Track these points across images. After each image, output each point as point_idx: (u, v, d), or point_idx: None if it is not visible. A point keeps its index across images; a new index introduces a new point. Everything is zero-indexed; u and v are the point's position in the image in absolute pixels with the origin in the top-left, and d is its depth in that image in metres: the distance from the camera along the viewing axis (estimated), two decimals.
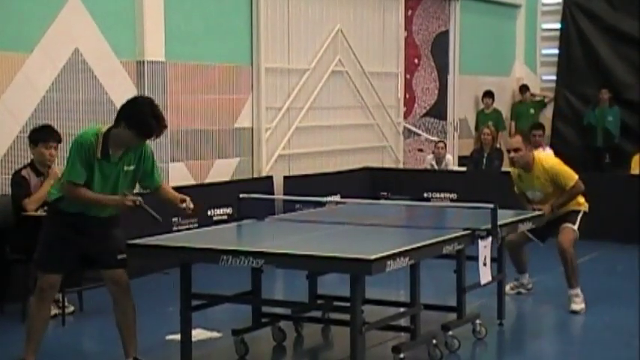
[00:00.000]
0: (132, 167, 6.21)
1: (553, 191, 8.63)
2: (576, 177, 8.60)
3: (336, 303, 7.12)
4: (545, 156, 9.34)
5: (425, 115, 15.96)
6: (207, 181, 11.58)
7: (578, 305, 8.52)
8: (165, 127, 6.10)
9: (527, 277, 9.24)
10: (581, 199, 8.76)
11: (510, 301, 8.38)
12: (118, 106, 10.15)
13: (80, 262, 6.50)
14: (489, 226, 7.08)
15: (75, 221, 6.16)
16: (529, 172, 8.67)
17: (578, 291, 8.55)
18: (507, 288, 8.85)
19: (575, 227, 8.60)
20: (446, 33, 16.25)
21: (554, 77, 18.02)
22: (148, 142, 6.21)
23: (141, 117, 5.96)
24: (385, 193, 13.54)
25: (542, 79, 18.42)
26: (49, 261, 6.21)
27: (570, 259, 8.48)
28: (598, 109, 16.80)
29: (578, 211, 8.70)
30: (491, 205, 7.14)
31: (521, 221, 7.90)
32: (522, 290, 9.22)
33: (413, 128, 15.61)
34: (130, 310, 6.36)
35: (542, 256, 9.28)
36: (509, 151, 8.75)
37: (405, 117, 15.37)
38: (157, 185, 6.43)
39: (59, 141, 8.47)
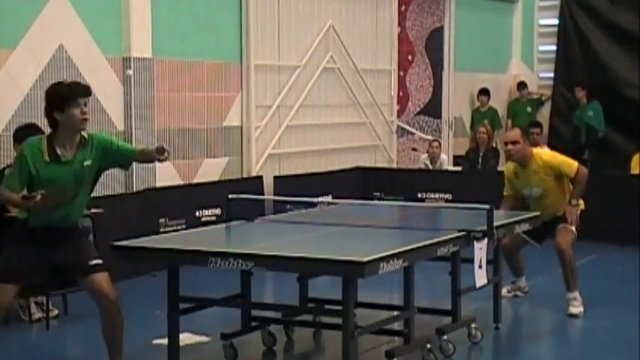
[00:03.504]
0: (89, 162, 6.07)
1: (553, 186, 8.49)
2: (577, 163, 8.50)
3: (327, 306, 7.11)
4: (543, 151, 9.19)
5: (419, 113, 15.92)
6: (196, 181, 11.56)
7: (577, 308, 8.42)
8: (87, 86, 6.05)
9: (524, 280, 9.14)
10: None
11: (507, 305, 8.33)
12: (104, 104, 10.36)
13: (50, 275, 6.44)
14: (485, 227, 7.03)
15: (42, 235, 6.05)
16: (525, 168, 8.54)
17: (576, 294, 8.46)
18: (504, 291, 8.74)
19: (573, 228, 8.48)
20: (440, 29, 16.20)
21: (551, 74, 17.95)
22: (99, 133, 6.22)
23: (58, 92, 5.95)
24: (378, 194, 13.49)
25: (540, 77, 18.34)
26: (4, 271, 6.07)
27: (569, 261, 8.39)
28: (578, 107, 16.71)
29: (576, 210, 8.57)
30: (486, 206, 7.11)
31: (518, 222, 7.85)
32: (519, 293, 9.12)
33: (407, 127, 15.56)
34: (118, 324, 6.20)
35: (538, 259, 9.21)
36: (506, 144, 8.65)
37: (399, 115, 15.33)
38: (133, 155, 6.30)
39: None
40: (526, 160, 8.51)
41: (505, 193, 8.83)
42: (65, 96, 5.89)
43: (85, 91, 5.98)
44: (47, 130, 8.52)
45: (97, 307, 6.17)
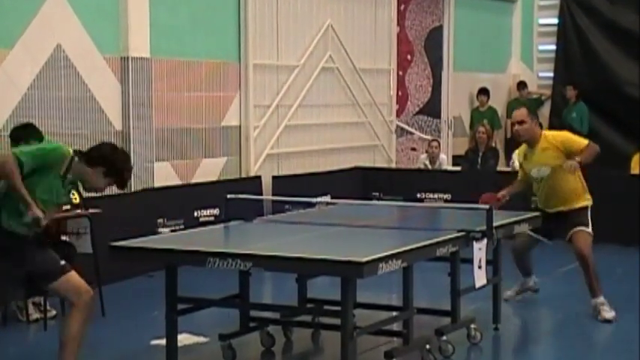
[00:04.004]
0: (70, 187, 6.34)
1: (560, 163, 8.18)
2: (584, 142, 8.27)
3: (326, 307, 7.20)
4: (551, 131, 8.93)
5: (418, 113, 15.88)
6: (194, 181, 11.52)
7: (609, 313, 8.16)
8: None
9: (534, 278, 8.93)
10: (586, 193, 8.42)
11: (506, 305, 8.29)
12: (102, 103, 10.34)
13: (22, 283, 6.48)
14: (484, 227, 7.01)
15: (8, 243, 6.01)
16: (534, 147, 8.32)
17: (602, 299, 8.21)
18: (509, 293, 8.70)
19: (589, 229, 8.26)
20: (440, 28, 16.16)
21: (551, 74, 17.90)
22: None
23: (120, 169, 6.14)
24: (377, 194, 13.45)
25: (539, 76, 18.30)
26: None
27: (592, 267, 8.13)
28: (567, 106, 16.69)
29: (586, 208, 8.35)
30: (486, 206, 7.11)
31: (518, 222, 7.82)
32: (529, 293, 8.92)
33: (406, 127, 15.52)
34: (74, 328, 6.08)
35: (539, 259, 9.13)
36: (513, 125, 8.50)
37: (398, 115, 15.29)
38: None
39: (41, 139, 8.33)
40: (535, 139, 8.30)
41: (519, 178, 8.68)
42: (120, 171, 6.10)
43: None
44: (44, 130, 8.65)
45: (76, 304, 6.05)
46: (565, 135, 8.47)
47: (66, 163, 6.01)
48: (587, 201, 8.40)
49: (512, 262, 8.75)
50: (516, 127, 8.37)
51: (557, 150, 8.23)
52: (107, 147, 6.25)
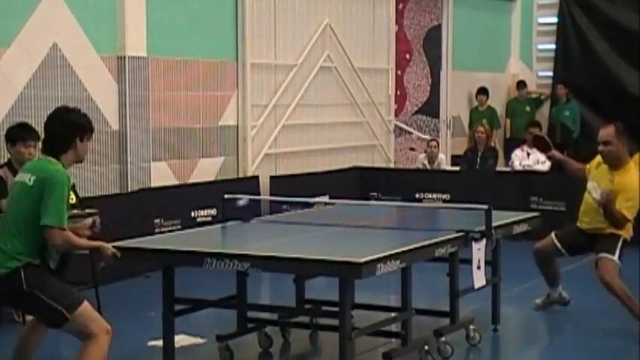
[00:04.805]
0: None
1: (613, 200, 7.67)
2: (628, 214, 7.66)
3: (324, 308, 7.28)
4: (634, 168, 7.92)
5: (417, 112, 15.88)
6: (191, 181, 11.51)
7: None
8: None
9: (560, 290, 8.57)
10: (627, 225, 7.81)
11: (505, 306, 8.24)
12: (98, 103, 10.31)
13: None
14: (483, 227, 6.99)
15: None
16: (612, 170, 7.79)
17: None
18: (538, 302, 8.60)
19: (615, 257, 7.74)
20: (438, 27, 16.15)
21: (550, 73, 17.86)
22: None
23: (85, 123, 5.85)
24: (375, 194, 13.43)
25: (538, 75, 18.27)
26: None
27: (619, 293, 7.70)
28: (556, 105, 16.65)
29: (618, 237, 7.84)
30: (485, 206, 7.06)
31: (517, 222, 7.81)
32: (557, 305, 8.60)
33: (404, 126, 15.51)
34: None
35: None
36: (598, 144, 7.81)
37: (396, 115, 15.29)
38: None
39: (38, 139, 8.36)
40: (618, 165, 7.74)
41: (587, 166, 8.16)
42: (89, 127, 5.82)
43: None
44: (41, 130, 8.59)
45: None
46: (628, 186, 7.69)
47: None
48: (622, 232, 7.85)
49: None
50: (601, 147, 7.76)
51: (610, 187, 7.69)
52: (59, 121, 5.80)
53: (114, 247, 6.10)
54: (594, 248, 7.97)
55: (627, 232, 7.90)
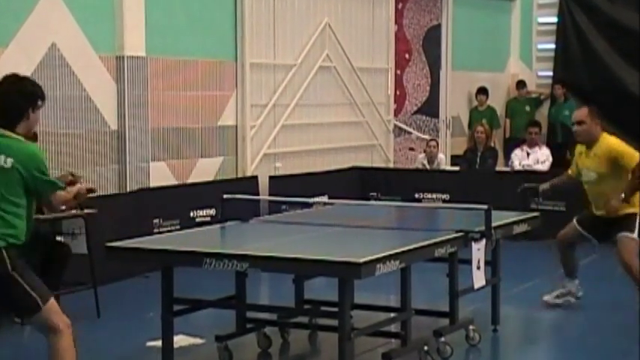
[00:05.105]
0: None
1: (607, 174, 8.07)
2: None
3: (323, 308, 7.29)
4: (611, 137, 8.44)
5: (416, 112, 15.84)
6: (190, 181, 11.49)
7: None
8: None
9: (577, 284, 8.67)
10: (636, 198, 8.06)
11: (505, 307, 8.22)
12: (97, 103, 10.29)
13: None
14: (483, 228, 6.98)
15: None
16: (590, 149, 8.23)
17: None
18: (552, 297, 8.60)
19: (635, 235, 7.97)
20: (438, 27, 16.12)
21: (550, 73, 17.84)
22: None
23: (35, 91, 5.62)
24: (375, 194, 13.41)
25: (538, 75, 18.25)
26: None
27: (635, 273, 7.90)
28: (554, 105, 16.63)
29: (635, 215, 8.07)
30: (484, 206, 7.04)
31: (517, 222, 7.79)
32: (571, 299, 8.67)
33: (404, 126, 15.48)
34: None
35: (538, 260, 9.08)
36: (573, 124, 8.42)
37: (396, 114, 15.27)
38: None
39: (36, 139, 8.43)
40: (592, 141, 8.22)
41: (570, 172, 8.60)
42: (42, 95, 5.65)
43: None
44: (39, 130, 8.61)
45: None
46: (619, 147, 8.16)
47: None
48: (634, 207, 8.09)
49: (557, 261, 8.64)
50: (575, 127, 8.31)
51: (607, 159, 8.09)
52: (13, 90, 5.57)
53: (110, 246, 6.16)
54: (611, 233, 8.11)
55: (637, 207, 8.09)
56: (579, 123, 8.26)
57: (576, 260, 8.68)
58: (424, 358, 6.72)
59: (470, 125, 16.47)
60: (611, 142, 8.22)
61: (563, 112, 16.34)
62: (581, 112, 8.36)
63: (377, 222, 7.69)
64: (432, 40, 15.95)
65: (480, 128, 14.71)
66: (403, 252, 6.08)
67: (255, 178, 12.01)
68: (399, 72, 15.30)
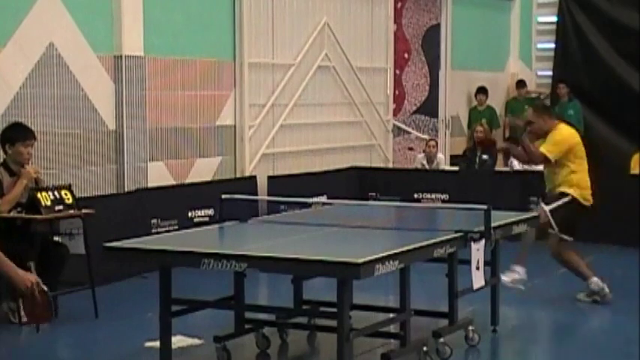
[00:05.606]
0: None
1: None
2: (547, 152, 8.54)
3: (322, 308, 7.32)
4: (564, 127, 9.00)
5: (415, 112, 15.85)
6: (188, 181, 11.47)
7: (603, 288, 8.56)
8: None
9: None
10: (573, 182, 8.65)
11: (504, 307, 8.22)
12: (95, 102, 10.28)
13: None
14: (482, 228, 6.99)
15: None
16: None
17: (594, 279, 8.58)
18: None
19: (547, 207, 8.55)
20: (437, 26, 16.13)
21: (550, 72, 17.86)
22: None
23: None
24: (374, 194, 13.40)
25: (538, 75, 18.27)
26: None
27: (565, 263, 8.51)
28: (558, 104, 16.63)
29: (565, 194, 8.59)
30: (484, 207, 7.05)
31: (516, 222, 7.79)
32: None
33: (403, 126, 15.49)
34: None
35: (537, 260, 9.05)
36: (525, 129, 8.99)
37: (395, 114, 15.26)
38: None
39: (35, 139, 8.54)
40: (547, 132, 8.70)
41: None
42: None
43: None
44: (37, 129, 8.63)
45: None
46: (555, 134, 8.68)
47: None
48: (567, 188, 8.62)
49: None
50: (528, 129, 8.85)
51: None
52: None
53: (108, 247, 6.15)
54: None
55: (574, 192, 8.58)
56: (529, 123, 8.83)
57: (577, 261, 8.73)
58: (423, 359, 6.71)
59: (469, 125, 16.48)
60: (562, 132, 8.71)
61: (567, 112, 16.32)
62: (528, 114, 8.98)
63: (376, 222, 7.69)
64: (431, 39, 15.95)
65: (479, 128, 14.74)
66: (402, 252, 6.08)
67: (253, 178, 12.01)
68: (398, 71, 15.30)
